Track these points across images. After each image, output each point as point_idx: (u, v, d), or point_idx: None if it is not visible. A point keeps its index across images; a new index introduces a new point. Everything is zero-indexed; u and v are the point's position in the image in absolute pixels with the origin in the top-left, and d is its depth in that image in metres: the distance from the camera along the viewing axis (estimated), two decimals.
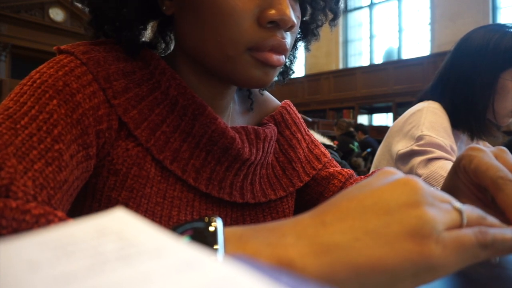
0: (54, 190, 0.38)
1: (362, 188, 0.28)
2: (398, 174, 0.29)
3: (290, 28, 0.47)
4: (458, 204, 0.28)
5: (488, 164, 0.34)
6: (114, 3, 0.48)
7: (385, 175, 0.29)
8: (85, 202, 0.46)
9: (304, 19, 0.58)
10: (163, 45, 0.62)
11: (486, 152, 0.35)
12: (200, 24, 0.47)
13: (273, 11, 0.44)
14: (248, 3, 0.45)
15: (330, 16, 0.59)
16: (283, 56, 0.49)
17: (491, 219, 0.29)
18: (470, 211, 0.28)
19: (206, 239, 0.25)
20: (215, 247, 0.24)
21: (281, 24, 0.45)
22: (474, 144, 0.38)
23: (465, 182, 0.37)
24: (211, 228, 0.26)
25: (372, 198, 0.26)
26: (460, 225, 0.27)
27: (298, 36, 0.62)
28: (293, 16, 0.46)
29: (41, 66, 0.45)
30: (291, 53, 0.64)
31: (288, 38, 0.49)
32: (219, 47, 0.46)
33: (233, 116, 0.60)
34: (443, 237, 0.25)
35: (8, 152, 0.35)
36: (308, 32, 0.60)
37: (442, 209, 0.27)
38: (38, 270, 0.12)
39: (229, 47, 0.46)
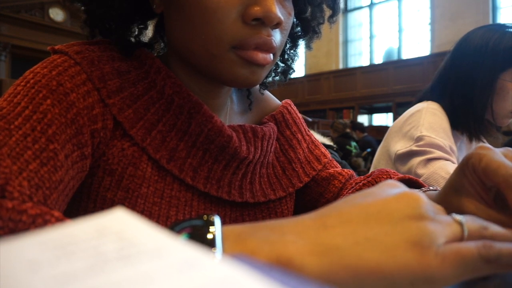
0: (50, 190, 0.37)
1: (366, 196, 0.28)
2: (403, 187, 0.29)
3: (277, 25, 0.46)
4: (458, 217, 0.28)
5: (499, 162, 0.33)
6: (102, 1, 0.48)
7: (389, 186, 0.29)
8: (81, 203, 0.46)
9: (303, 16, 0.58)
10: (161, 45, 0.62)
11: (496, 151, 0.35)
12: (186, 21, 0.46)
13: (257, 8, 0.43)
14: (232, 0, 0.44)
15: (329, 12, 0.59)
16: (271, 55, 0.47)
17: (493, 228, 0.29)
18: (471, 222, 0.28)
19: (204, 237, 0.25)
20: (213, 244, 0.24)
21: (266, 21, 0.44)
22: (483, 144, 0.37)
23: (471, 181, 0.37)
24: (210, 226, 0.26)
25: (376, 207, 0.27)
26: (461, 237, 0.27)
27: (299, 34, 0.61)
28: (279, 12, 0.45)
29: (35, 67, 0.45)
30: (291, 51, 0.64)
31: (277, 36, 0.48)
32: (204, 45, 0.46)
33: (231, 116, 0.59)
34: (443, 249, 0.26)
35: (2, 153, 0.35)
36: (308, 30, 0.60)
37: (443, 222, 0.27)
38: (38, 270, 0.12)
39: (213, 45, 0.45)
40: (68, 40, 0.57)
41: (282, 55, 0.63)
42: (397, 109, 8.15)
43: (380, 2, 9.33)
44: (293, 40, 0.62)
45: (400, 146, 1.06)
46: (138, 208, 0.46)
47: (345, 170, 0.66)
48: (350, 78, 9.23)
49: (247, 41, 0.45)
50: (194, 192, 0.51)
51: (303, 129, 0.66)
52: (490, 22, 7.08)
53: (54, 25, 7.73)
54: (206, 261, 0.13)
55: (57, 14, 7.81)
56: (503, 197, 0.34)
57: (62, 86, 0.43)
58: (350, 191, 0.60)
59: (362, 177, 0.63)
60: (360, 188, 0.59)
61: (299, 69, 9.87)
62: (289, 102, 0.67)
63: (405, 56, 8.74)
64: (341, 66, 9.78)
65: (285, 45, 0.62)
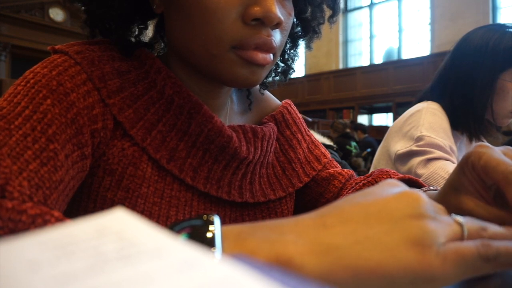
0: (50, 190, 0.37)
1: (366, 195, 0.28)
2: (403, 186, 0.29)
3: (277, 25, 0.46)
4: (458, 217, 0.28)
5: (499, 159, 0.34)
6: (102, 1, 0.48)
7: (390, 185, 0.29)
8: (81, 203, 0.46)
9: (303, 16, 0.58)
10: (162, 45, 0.62)
11: (495, 149, 0.35)
12: (186, 22, 0.46)
13: (257, 8, 0.43)
14: (232, 0, 0.44)
15: (329, 12, 0.59)
16: (271, 55, 0.48)
17: (492, 228, 0.29)
18: (471, 223, 0.29)
19: (204, 237, 0.25)
20: (212, 244, 0.24)
21: (266, 21, 0.44)
22: (482, 142, 0.37)
23: (471, 180, 0.37)
24: (209, 226, 0.26)
25: (376, 206, 0.27)
26: (461, 238, 0.27)
27: (299, 34, 0.62)
28: (279, 12, 0.45)
29: (35, 66, 0.45)
30: (291, 51, 0.64)
31: (277, 36, 0.48)
32: (204, 45, 0.46)
33: (231, 116, 0.59)
34: (444, 249, 0.26)
35: (2, 153, 0.35)
36: (309, 30, 0.60)
37: (444, 222, 0.27)
38: (38, 270, 0.12)
39: (213, 45, 0.45)
40: (68, 40, 0.56)
41: (282, 55, 0.63)
42: (397, 109, 8.14)
43: (380, 2, 9.33)
44: (293, 40, 0.62)
45: (400, 146, 1.06)
46: (138, 208, 0.47)
47: (345, 170, 0.66)
48: (350, 78, 9.23)
49: (247, 41, 0.45)
50: (194, 192, 0.51)
51: (303, 129, 0.66)
52: (490, 22, 7.07)
53: (54, 25, 7.73)
54: (205, 261, 0.13)
55: (57, 14, 7.81)
56: (503, 194, 0.34)
57: (62, 86, 0.43)
58: (350, 191, 0.60)
59: (362, 177, 0.63)
60: (360, 188, 0.59)
61: (299, 69, 9.87)
62: (289, 102, 0.67)
63: (405, 56, 8.74)
64: (341, 66, 9.78)
65: (285, 45, 0.62)
